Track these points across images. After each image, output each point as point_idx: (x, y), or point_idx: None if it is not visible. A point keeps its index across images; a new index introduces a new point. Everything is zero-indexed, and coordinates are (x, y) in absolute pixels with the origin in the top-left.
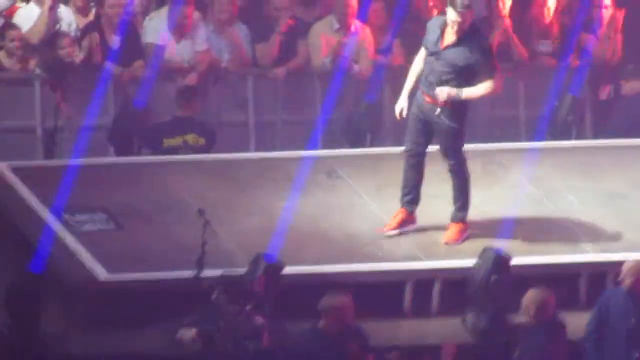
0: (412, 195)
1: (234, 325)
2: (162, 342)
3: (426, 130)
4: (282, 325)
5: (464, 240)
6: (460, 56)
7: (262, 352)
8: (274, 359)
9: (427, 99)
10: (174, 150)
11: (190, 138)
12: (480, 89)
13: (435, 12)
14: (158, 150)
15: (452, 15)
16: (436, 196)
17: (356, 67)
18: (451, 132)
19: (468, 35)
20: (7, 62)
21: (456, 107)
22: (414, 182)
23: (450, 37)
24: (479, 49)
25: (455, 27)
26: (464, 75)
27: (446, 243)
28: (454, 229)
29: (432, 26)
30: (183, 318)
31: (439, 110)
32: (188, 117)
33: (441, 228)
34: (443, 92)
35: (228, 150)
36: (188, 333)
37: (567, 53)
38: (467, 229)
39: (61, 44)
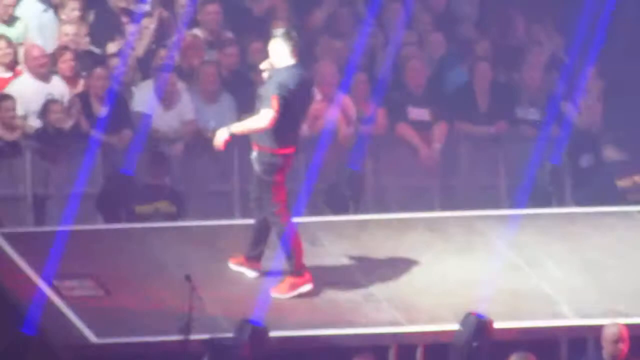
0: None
1: None
2: None
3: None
4: None
5: (294, 295)
6: (262, 88)
7: None
8: None
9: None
10: (145, 218)
11: (163, 206)
12: (248, 122)
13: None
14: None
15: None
16: (416, 263)
17: (341, 131)
18: (262, 181)
19: (275, 70)
20: (1, 131)
21: (265, 155)
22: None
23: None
24: (270, 81)
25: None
26: (263, 107)
27: (272, 294)
28: (285, 283)
29: None
30: None
31: (254, 153)
32: (159, 184)
33: (421, 293)
34: (218, 138)
35: (213, 218)
36: None
37: (548, 122)
38: (302, 282)
39: (53, 110)
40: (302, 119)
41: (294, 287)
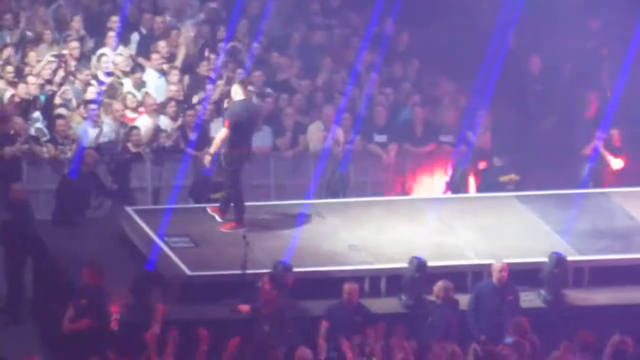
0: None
1: (275, 303)
2: (223, 312)
3: None
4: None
5: (231, 231)
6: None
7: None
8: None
9: None
10: (216, 201)
11: (223, 194)
12: (215, 141)
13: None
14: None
15: None
16: (381, 227)
17: (334, 149)
18: (225, 171)
19: (233, 102)
20: (132, 148)
21: (226, 154)
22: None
23: None
24: (228, 110)
25: None
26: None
27: (221, 229)
28: (229, 224)
29: None
30: (236, 297)
31: (221, 151)
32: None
33: (383, 245)
34: (205, 161)
35: (256, 201)
36: (244, 307)
37: (459, 143)
38: (240, 226)
39: (161, 136)
40: (252, 131)
41: (234, 227)
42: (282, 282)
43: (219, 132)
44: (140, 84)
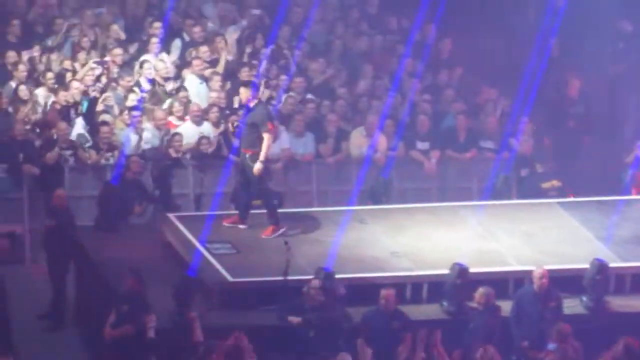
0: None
1: (324, 310)
2: (265, 318)
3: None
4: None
5: (275, 235)
6: (249, 118)
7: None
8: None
9: (242, 150)
10: (258, 207)
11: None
12: (264, 149)
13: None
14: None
15: None
16: (422, 234)
17: (376, 155)
18: (252, 171)
19: (256, 105)
20: (173, 154)
21: (256, 155)
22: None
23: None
24: (259, 113)
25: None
26: (252, 129)
27: (262, 236)
28: (269, 229)
29: None
30: (278, 303)
31: (247, 155)
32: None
33: (425, 251)
34: (256, 169)
35: (298, 207)
36: (295, 319)
37: (502, 149)
38: (278, 228)
39: (203, 143)
40: None
41: (274, 231)
42: (333, 290)
43: (266, 139)
44: (186, 104)
